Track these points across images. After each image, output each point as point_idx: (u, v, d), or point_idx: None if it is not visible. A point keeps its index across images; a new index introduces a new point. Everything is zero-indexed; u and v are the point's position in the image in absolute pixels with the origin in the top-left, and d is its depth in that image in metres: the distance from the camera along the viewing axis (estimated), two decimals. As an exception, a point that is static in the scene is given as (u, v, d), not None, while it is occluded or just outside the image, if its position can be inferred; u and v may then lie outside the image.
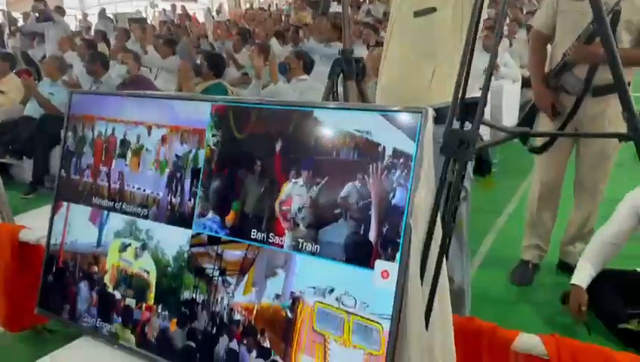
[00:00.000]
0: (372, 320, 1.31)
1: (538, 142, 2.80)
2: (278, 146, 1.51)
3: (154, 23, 13.43)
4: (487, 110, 4.45)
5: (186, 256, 1.64)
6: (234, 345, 1.51)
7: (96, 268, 1.83)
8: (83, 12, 14.32)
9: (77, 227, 1.90)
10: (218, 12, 16.33)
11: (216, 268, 1.58)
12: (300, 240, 1.44)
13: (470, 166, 1.98)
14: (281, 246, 1.47)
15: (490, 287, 2.87)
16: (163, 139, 1.74)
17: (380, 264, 1.31)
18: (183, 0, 15.64)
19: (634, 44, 2.54)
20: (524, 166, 4.70)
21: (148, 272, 1.71)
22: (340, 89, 2.31)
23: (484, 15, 1.61)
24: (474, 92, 1.64)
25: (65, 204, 1.95)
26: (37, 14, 9.43)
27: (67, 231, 1.92)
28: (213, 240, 1.59)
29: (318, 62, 5.06)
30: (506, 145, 2.50)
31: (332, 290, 1.37)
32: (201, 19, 14.10)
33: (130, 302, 1.74)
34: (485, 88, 1.36)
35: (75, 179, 1.94)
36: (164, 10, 15.61)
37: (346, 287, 1.36)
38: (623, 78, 1.34)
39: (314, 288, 1.40)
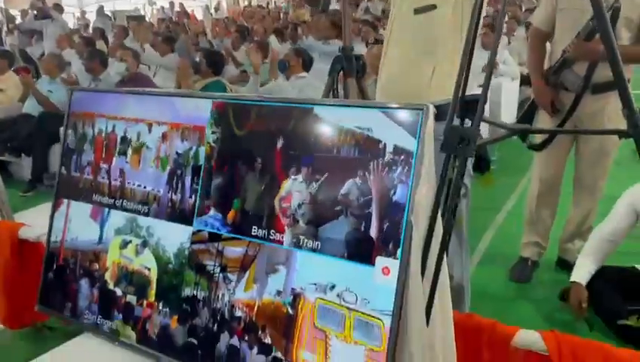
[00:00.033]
0: (373, 317, 1.31)
1: (537, 139, 2.80)
2: (278, 143, 1.52)
3: (152, 20, 13.41)
4: (486, 107, 4.46)
5: (186, 252, 1.64)
6: (235, 341, 1.52)
7: (96, 265, 1.83)
8: (81, 9, 14.29)
9: (77, 224, 1.90)
10: (216, 9, 16.31)
11: (217, 264, 1.58)
12: (300, 236, 1.45)
13: (470, 163, 1.98)
14: (282, 243, 1.48)
15: (489, 284, 2.88)
16: (163, 137, 1.74)
17: (381, 260, 1.32)
18: (181, -3, 15.61)
19: (633, 41, 2.54)
20: (522, 163, 4.72)
21: (149, 269, 1.71)
22: (341, 90, 2.32)
23: (483, 13, 1.61)
24: (473, 89, 1.65)
25: (65, 201, 1.95)
26: (35, 12, 9.43)
27: (67, 229, 1.92)
28: (214, 237, 1.59)
29: (317, 60, 5.06)
30: (505, 142, 2.51)
31: (333, 287, 1.38)
32: (199, 16, 14.07)
33: (131, 298, 1.74)
34: (486, 86, 1.36)
35: (76, 177, 1.94)
36: (163, 7, 15.59)
37: (347, 284, 1.36)
38: (623, 74, 1.34)
39: (315, 284, 1.40)
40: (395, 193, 1.31)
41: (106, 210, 1.84)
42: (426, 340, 1.32)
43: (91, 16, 13.09)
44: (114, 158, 1.85)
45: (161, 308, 1.67)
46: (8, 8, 12.20)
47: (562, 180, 2.89)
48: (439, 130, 1.35)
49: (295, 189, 1.47)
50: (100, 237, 1.83)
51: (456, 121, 1.58)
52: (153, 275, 1.70)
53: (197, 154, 1.66)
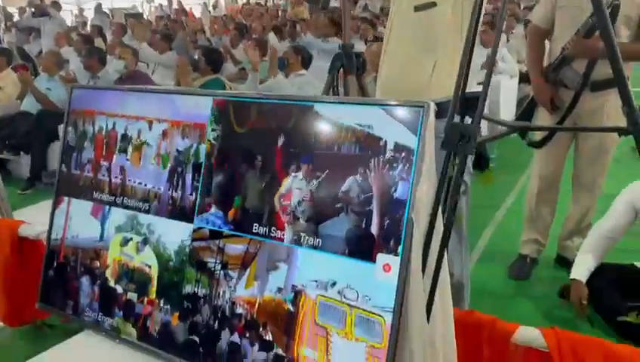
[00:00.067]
0: (374, 313, 1.32)
1: (537, 136, 2.81)
2: (278, 140, 1.52)
3: (150, 18, 13.38)
4: (485, 105, 4.46)
5: (187, 250, 1.64)
6: (236, 338, 1.52)
7: (97, 263, 1.83)
8: (79, 7, 14.25)
9: (78, 222, 1.90)
10: (214, 7, 16.27)
11: (217, 262, 1.58)
12: (301, 233, 1.45)
13: (470, 160, 1.99)
14: (283, 240, 1.48)
15: (489, 281, 2.89)
16: (164, 134, 1.74)
17: (382, 257, 1.32)
18: (180, -5, 15.56)
19: (632, 39, 2.55)
20: (521, 161, 4.72)
21: (149, 266, 1.71)
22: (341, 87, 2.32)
23: (482, 11, 1.62)
24: (472, 87, 1.65)
25: (66, 198, 1.95)
26: (33, 9, 9.40)
27: (68, 226, 1.92)
28: (215, 235, 1.60)
29: (316, 57, 5.07)
30: (504, 140, 2.51)
31: (334, 284, 1.38)
32: (197, 14, 14.03)
33: (132, 296, 1.75)
34: (486, 83, 1.36)
35: (76, 174, 1.94)
36: (161, 5, 15.54)
37: (348, 281, 1.36)
38: (623, 72, 1.34)
39: (316, 281, 1.41)
40: (395, 190, 1.32)
41: (107, 207, 1.84)
42: (427, 337, 1.33)
43: (89, 14, 13.05)
44: (114, 156, 1.85)
45: (162, 305, 1.68)
46: (6, 6, 12.14)
47: (562, 178, 2.90)
48: (439, 128, 1.35)
49: (295, 186, 1.47)
50: (101, 235, 1.84)
51: (456, 119, 1.58)
52: (154, 272, 1.70)
53: (197, 151, 1.66)
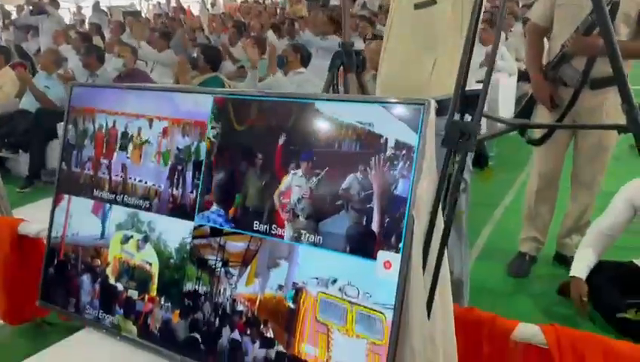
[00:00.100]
0: (375, 310, 1.32)
1: (536, 134, 2.81)
2: (278, 138, 1.52)
3: (148, 16, 13.36)
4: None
5: (188, 247, 1.65)
6: (237, 335, 1.53)
7: (98, 261, 1.84)
8: (77, 5, 14.21)
9: (78, 219, 1.90)
10: (213, 5, 16.24)
11: (218, 259, 1.59)
12: (301, 231, 1.46)
13: (469, 158, 1.99)
14: (284, 238, 1.48)
15: (488, 279, 2.89)
16: (164, 132, 1.75)
17: (383, 255, 1.33)
18: (178, -7, 15.53)
19: (631, 37, 2.55)
20: (520, 159, 4.73)
21: (150, 264, 1.72)
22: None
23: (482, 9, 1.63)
24: (471, 85, 1.65)
25: (66, 196, 1.95)
26: (31, 7, 9.37)
27: (68, 224, 1.92)
28: (216, 232, 1.60)
29: (315, 55, 5.06)
30: (503, 138, 2.51)
31: (335, 281, 1.39)
32: (195, 12, 14.01)
33: (133, 293, 1.75)
34: (487, 80, 1.36)
35: (77, 172, 1.94)
36: (159, 3, 15.51)
37: (349, 278, 1.37)
38: (623, 69, 1.34)
39: (317, 279, 1.41)
40: (396, 187, 1.32)
41: (107, 205, 1.84)
42: (427, 333, 1.33)
43: (87, 12, 13.02)
44: (115, 154, 1.85)
45: (162, 302, 1.68)
46: (4, 4, 12.12)
47: (561, 175, 2.91)
48: (440, 125, 1.35)
49: (295, 184, 1.48)
50: (102, 233, 1.84)
51: (456, 117, 1.58)
52: (155, 270, 1.71)
53: (198, 149, 1.66)
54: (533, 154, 2.99)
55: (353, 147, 1.40)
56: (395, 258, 1.31)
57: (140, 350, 1.72)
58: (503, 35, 6.76)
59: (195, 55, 4.69)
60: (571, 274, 2.44)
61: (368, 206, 1.36)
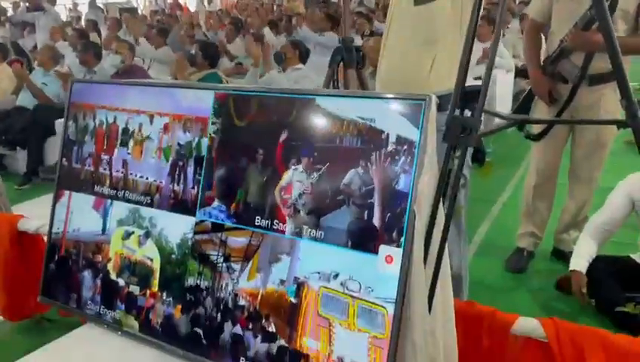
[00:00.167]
0: (377, 304, 1.33)
1: (535, 129, 2.83)
2: (279, 133, 1.53)
3: (145, 12, 13.32)
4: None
5: (189, 243, 1.65)
6: (239, 330, 1.53)
7: (99, 256, 1.84)
8: (73, 1, 14.16)
9: (79, 215, 1.91)
10: (209, 1, 16.21)
11: (220, 254, 1.59)
12: (303, 226, 1.46)
13: (469, 154, 2.00)
14: (285, 233, 1.49)
15: (486, 274, 2.91)
16: (165, 128, 1.75)
17: (384, 249, 1.33)
18: (174, -11, 15.47)
19: (629, 33, 2.56)
20: (517, 155, 4.75)
21: (152, 259, 1.72)
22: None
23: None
24: (468, 82, 1.66)
25: (67, 192, 1.95)
26: (27, 4, 9.33)
27: (69, 220, 1.93)
28: (217, 228, 1.61)
29: (313, 51, 5.07)
30: (500, 134, 2.53)
31: (337, 275, 1.40)
32: (192, 8, 13.99)
33: (134, 289, 1.75)
34: (487, 76, 1.37)
35: (77, 168, 1.94)
36: (155, -1, 15.49)
37: (351, 272, 1.38)
38: (622, 64, 1.35)
39: (318, 273, 1.42)
40: (398, 182, 1.33)
41: (109, 201, 1.85)
42: (428, 327, 1.34)
43: (83, 9, 12.99)
44: (116, 150, 1.85)
45: (164, 297, 1.69)
46: (0, 0, 12.08)
47: (559, 171, 2.92)
48: (440, 121, 1.36)
49: (296, 179, 1.49)
50: (103, 229, 1.84)
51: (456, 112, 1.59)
52: (156, 265, 1.71)
53: (199, 145, 1.67)
54: (531, 151, 3.00)
55: (354, 142, 1.41)
56: (396, 252, 1.32)
57: (142, 345, 1.72)
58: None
59: (193, 52, 4.70)
60: (571, 268, 2.46)
61: (369, 201, 1.37)
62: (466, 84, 1.58)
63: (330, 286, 1.40)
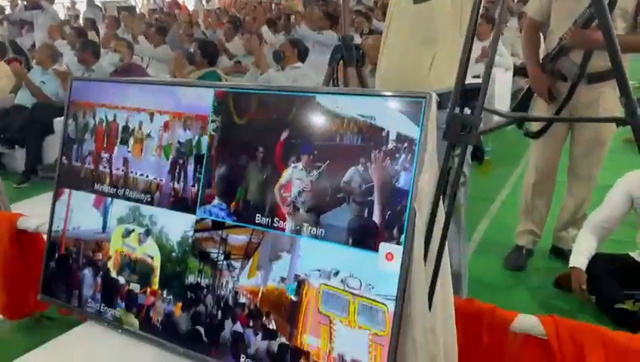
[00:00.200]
0: (377, 302, 1.34)
1: (534, 127, 2.83)
2: (279, 131, 1.53)
3: (143, 11, 13.31)
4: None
5: (190, 241, 1.65)
6: (239, 328, 1.54)
7: (99, 255, 1.84)
8: (71, 0, 14.13)
9: (80, 214, 1.90)
10: (208, 0, 16.19)
11: (220, 252, 1.60)
12: (303, 223, 1.46)
13: (468, 151, 2.01)
14: (285, 230, 1.49)
15: (485, 272, 2.92)
16: (165, 126, 1.75)
17: (385, 246, 1.34)
18: (173, -12, 15.45)
19: (628, 32, 2.56)
20: (516, 153, 4.76)
21: (152, 257, 1.72)
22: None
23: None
24: (467, 80, 1.66)
25: (67, 190, 1.95)
26: (25, 2, 9.31)
27: (69, 218, 1.93)
28: (218, 225, 1.61)
29: (311, 49, 5.07)
30: (499, 133, 2.54)
31: (337, 273, 1.40)
32: (190, 7, 13.97)
33: (134, 286, 1.76)
34: (487, 74, 1.37)
35: (77, 166, 1.94)
36: (154, -3, 15.45)
37: (351, 270, 1.38)
38: (622, 62, 1.35)
39: (319, 271, 1.42)
40: (398, 180, 1.33)
41: (109, 199, 1.85)
42: (428, 324, 1.35)
43: (81, 7, 12.96)
44: (115, 147, 1.85)
45: (164, 295, 1.69)
46: (-3, -1, 12.06)
47: (558, 169, 2.93)
48: (440, 119, 1.36)
49: (295, 177, 1.49)
50: (103, 227, 1.84)
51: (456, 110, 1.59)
52: (156, 263, 1.72)
53: (199, 143, 1.67)
54: (530, 148, 3.01)
55: (354, 140, 1.41)
56: (397, 250, 1.32)
57: (142, 343, 1.72)
58: (498, 30, 6.76)
59: (192, 50, 4.70)
60: (571, 265, 2.47)
61: (370, 198, 1.37)
62: (465, 82, 1.59)
63: (331, 283, 1.40)
